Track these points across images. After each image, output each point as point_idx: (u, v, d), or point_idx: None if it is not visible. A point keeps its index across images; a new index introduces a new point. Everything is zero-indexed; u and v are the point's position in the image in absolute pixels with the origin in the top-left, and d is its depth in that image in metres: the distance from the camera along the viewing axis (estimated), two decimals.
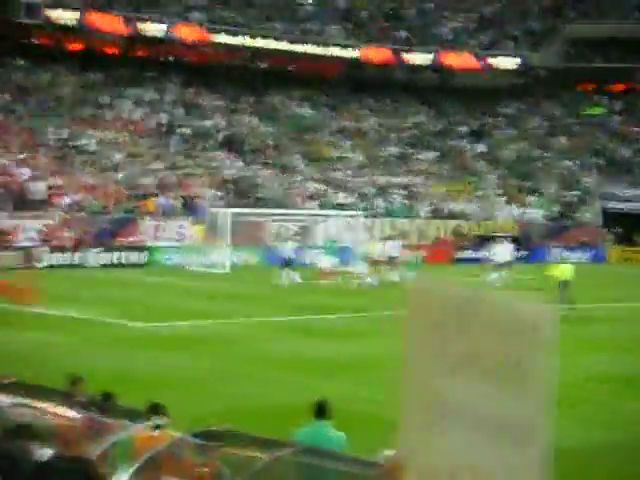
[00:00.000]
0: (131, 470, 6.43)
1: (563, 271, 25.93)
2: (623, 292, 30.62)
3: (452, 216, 47.63)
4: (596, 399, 14.60)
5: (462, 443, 2.52)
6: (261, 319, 22.55)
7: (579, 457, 11.14)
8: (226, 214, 36.95)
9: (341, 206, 44.51)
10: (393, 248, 32.83)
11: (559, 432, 9.90)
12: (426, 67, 59.78)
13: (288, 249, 32.58)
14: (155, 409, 7.68)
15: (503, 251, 31.90)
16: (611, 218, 50.13)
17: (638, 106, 60.33)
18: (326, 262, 32.90)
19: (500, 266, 31.23)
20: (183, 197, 42.45)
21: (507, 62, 60.27)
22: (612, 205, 51.12)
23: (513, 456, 2.49)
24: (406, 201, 48.19)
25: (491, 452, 2.50)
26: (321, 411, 8.19)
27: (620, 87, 62.32)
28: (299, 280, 31.06)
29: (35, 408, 7.40)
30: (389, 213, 46.19)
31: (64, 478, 2.85)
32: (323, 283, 31.20)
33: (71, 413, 7.34)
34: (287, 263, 31.67)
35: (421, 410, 2.58)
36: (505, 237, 35.80)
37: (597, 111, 60.47)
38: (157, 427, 6.78)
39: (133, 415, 7.32)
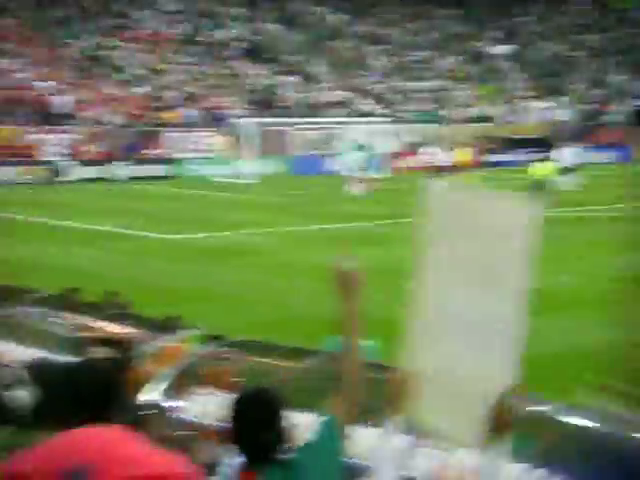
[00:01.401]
0: (168, 380, 6.56)
1: (542, 170, 26.75)
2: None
3: (480, 119, 47.05)
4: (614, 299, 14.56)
5: (452, 349, 2.57)
6: (291, 229, 22.52)
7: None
8: (251, 124, 36.74)
9: (366, 113, 44.08)
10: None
11: (579, 332, 9.83)
12: None
13: (353, 159, 32.39)
14: (173, 321, 7.76)
15: (567, 154, 32.54)
16: None
17: None
18: (355, 170, 32.64)
19: (566, 169, 31.58)
20: (207, 108, 42.22)
21: None
22: None
23: (490, 358, 2.54)
24: (432, 106, 47.60)
25: (470, 355, 2.56)
26: None
27: None
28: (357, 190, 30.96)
29: (72, 320, 7.53)
30: (415, 119, 45.71)
31: (101, 374, 2.91)
32: (354, 190, 31.10)
33: (106, 325, 7.46)
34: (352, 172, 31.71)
35: (425, 317, 2.62)
36: (569, 140, 36.26)
37: (628, 4, 58.76)
38: (186, 338, 6.88)
39: (165, 327, 7.43)
